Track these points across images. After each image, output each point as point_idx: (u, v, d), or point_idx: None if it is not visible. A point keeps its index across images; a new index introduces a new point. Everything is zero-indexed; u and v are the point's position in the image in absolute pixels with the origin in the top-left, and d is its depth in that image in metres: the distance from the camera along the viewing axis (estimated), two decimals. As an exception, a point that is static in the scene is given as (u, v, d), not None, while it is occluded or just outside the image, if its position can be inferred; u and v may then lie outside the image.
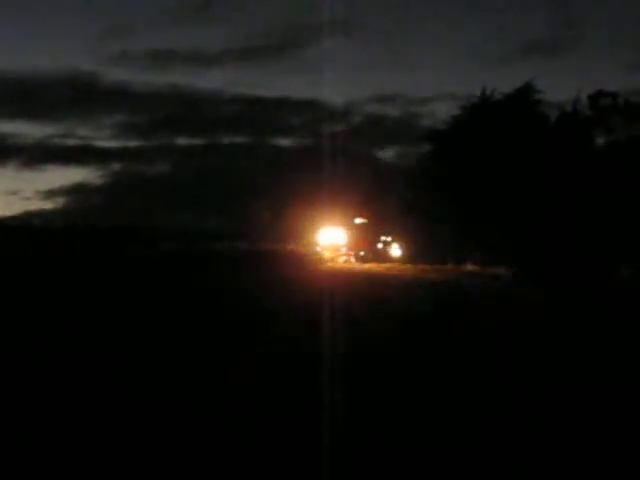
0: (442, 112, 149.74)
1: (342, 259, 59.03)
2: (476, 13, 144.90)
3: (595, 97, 37.37)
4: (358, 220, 67.77)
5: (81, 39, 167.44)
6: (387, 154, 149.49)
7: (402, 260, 61.24)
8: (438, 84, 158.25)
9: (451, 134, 37.35)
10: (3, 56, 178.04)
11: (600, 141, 39.51)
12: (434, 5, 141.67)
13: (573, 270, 35.10)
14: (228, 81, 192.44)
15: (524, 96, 37.89)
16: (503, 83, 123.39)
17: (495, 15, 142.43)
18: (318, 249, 58.08)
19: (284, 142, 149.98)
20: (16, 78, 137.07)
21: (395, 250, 68.47)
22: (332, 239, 62.54)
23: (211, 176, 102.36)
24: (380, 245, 69.27)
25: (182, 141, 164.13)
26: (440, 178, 37.19)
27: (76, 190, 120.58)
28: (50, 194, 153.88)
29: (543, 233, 36.35)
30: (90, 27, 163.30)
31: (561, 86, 67.83)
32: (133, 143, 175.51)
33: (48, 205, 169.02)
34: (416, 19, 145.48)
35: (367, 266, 51.21)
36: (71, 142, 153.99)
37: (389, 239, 69.02)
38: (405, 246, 64.78)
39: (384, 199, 62.83)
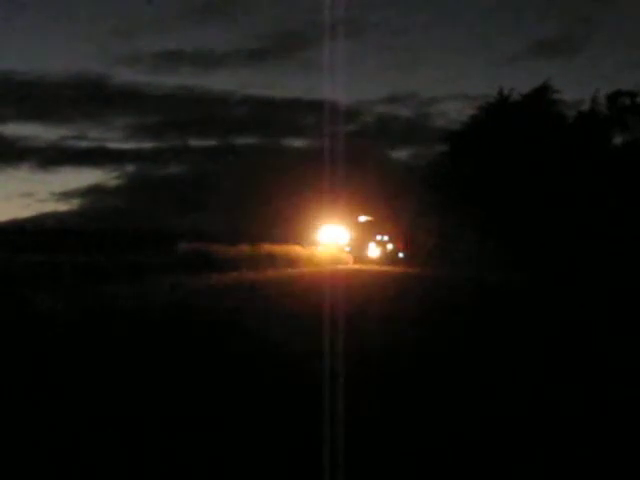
0: (454, 112, 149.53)
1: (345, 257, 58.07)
2: (487, 12, 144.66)
3: (614, 97, 37.38)
4: (362, 218, 66.49)
5: (91, 41, 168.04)
6: (399, 154, 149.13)
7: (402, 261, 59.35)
8: (450, 84, 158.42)
9: (469, 134, 37.43)
10: (14, 58, 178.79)
11: (618, 140, 39.57)
12: (445, 5, 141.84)
13: (590, 270, 34.96)
14: (239, 82, 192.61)
15: (541, 96, 37.94)
16: (515, 83, 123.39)
17: (506, 14, 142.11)
18: (323, 248, 56.97)
19: (296, 143, 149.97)
20: (27, 80, 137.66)
21: (373, 250, 66.13)
22: (338, 237, 61.48)
23: (224, 177, 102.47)
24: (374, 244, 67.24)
25: (195, 142, 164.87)
26: (458, 178, 37.22)
27: (91, 192, 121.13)
28: (65, 196, 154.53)
29: (560, 232, 36.31)
30: (100, 29, 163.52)
31: (574, 85, 67.91)
32: (146, 144, 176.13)
33: (63, 207, 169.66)
34: (428, 19, 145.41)
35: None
36: (84, 144, 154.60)
37: (385, 238, 67.24)
38: (405, 246, 62.99)
39: (397, 199, 62.68)
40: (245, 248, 40.34)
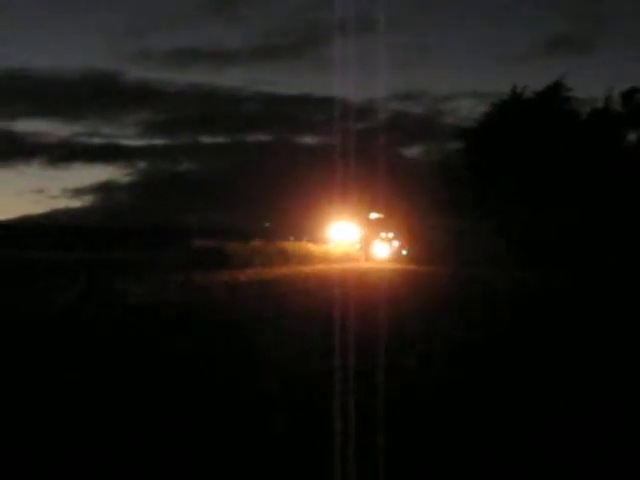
0: (465, 109, 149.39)
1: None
2: (499, 10, 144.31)
3: (628, 94, 37.21)
4: (374, 215, 65.76)
5: (103, 38, 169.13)
6: (411, 151, 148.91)
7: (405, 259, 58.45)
8: (461, 81, 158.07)
9: (483, 131, 37.38)
10: (27, 56, 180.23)
11: (632, 137, 39.35)
12: (458, 2, 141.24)
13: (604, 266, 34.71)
14: (249, 79, 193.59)
15: (555, 93, 37.84)
16: (527, 80, 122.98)
17: (518, 12, 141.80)
18: (331, 245, 56.44)
19: (308, 140, 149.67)
20: (40, 77, 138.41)
21: (380, 247, 64.92)
22: (349, 235, 60.92)
23: (236, 174, 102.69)
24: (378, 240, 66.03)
25: (206, 139, 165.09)
26: (471, 174, 37.17)
27: (102, 188, 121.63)
28: (77, 192, 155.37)
29: (574, 230, 36.17)
30: (112, 26, 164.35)
31: (586, 82, 67.76)
32: (157, 141, 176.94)
33: (75, 203, 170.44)
34: (439, 17, 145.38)
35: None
36: (96, 140, 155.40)
37: (391, 235, 66.15)
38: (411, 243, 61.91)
39: (408, 196, 62.48)
40: (258, 245, 40.37)
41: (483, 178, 37.15)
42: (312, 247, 49.78)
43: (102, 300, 17.67)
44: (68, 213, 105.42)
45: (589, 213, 36.00)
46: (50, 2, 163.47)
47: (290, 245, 45.91)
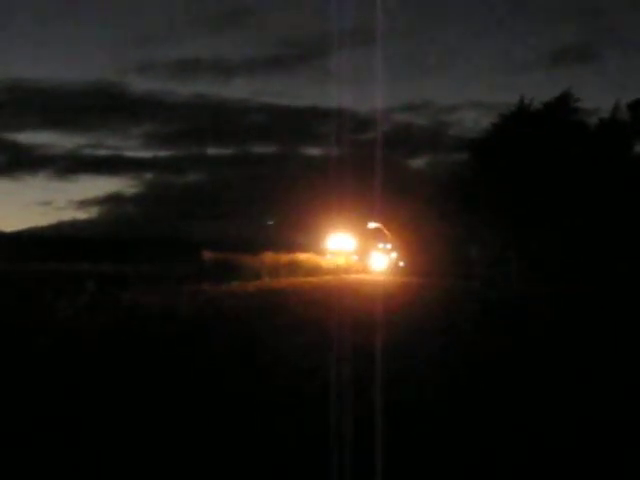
0: (470, 120, 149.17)
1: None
2: (504, 20, 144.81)
3: (635, 105, 37.29)
4: (371, 225, 64.66)
5: (107, 49, 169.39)
6: (415, 162, 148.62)
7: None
8: (466, 92, 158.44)
9: (491, 142, 37.44)
10: (32, 67, 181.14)
11: (638, 148, 39.39)
12: (462, 13, 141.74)
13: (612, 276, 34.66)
14: (255, 90, 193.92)
15: (563, 104, 37.92)
16: (532, 91, 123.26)
17: (523, 22, 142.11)
18: (329, 255, 55.80)
19: (313, 151, 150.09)
20: (44, 89, 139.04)
21: (377, 258, 63.46)
22: (349, 245, 60.12)
23: (241, 185, 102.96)
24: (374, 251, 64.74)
25: (211, 151, 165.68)
26: (480, 186, 37.17)
27: (109, 200, 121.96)
28: (83, 204, 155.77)
29: (581, 241, 36.15)
30: (116, 37, 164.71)
31: (591, 93, 67.78)
32: (163, 153, 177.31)
33: (82, 215, 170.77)
34: (444, 27, 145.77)
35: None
36: (101, 152, 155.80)
37: (388, 246, 64.89)
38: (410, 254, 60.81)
39: (412, 207, 62.43)
40: (266, 257, 40.51)
41: (490, 189, 37.16)
42: (317, 258, 49.89)
43: (108, 310, 17.66)
44: (75, 225, 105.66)
45: (597, 223, 35.99)
46: (55, 13, 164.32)
47: (296, 257, 46.06)
